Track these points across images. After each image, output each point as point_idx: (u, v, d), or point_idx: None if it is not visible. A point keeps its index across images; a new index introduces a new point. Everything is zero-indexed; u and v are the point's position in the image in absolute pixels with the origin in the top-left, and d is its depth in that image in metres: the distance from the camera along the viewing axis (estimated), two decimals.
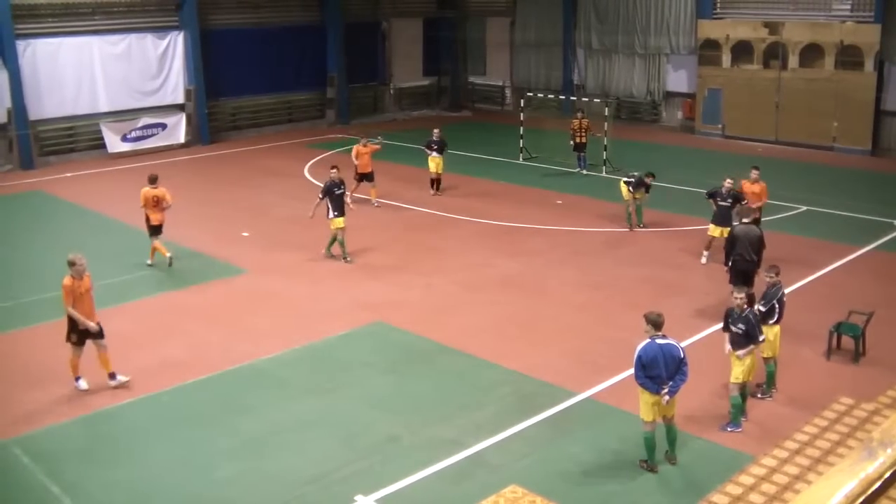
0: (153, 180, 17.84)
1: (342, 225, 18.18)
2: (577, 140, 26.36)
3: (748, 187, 17.88)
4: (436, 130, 24.54)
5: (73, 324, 12.39)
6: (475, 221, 21.59)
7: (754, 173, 18.15)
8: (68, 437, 11.35)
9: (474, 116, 39.63)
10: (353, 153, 22.92)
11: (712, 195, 17.62)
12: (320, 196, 18.25)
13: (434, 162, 24.03)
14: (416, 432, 11.34)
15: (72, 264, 12.40)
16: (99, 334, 12.54)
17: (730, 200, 17.27)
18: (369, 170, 22.77)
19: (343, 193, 18.33)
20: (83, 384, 12.62)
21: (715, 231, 17.51)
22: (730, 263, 14.79)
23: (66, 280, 12.35)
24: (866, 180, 26.24)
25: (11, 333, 14.91)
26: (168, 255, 17.78)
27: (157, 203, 17.69)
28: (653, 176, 20.20)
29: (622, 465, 10.48)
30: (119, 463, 10.70)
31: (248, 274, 17.89)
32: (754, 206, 17.09)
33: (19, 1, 27.84)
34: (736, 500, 9.57)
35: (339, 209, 18.12)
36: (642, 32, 35.51)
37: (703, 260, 17.97)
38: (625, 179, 20.40)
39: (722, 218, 17.30)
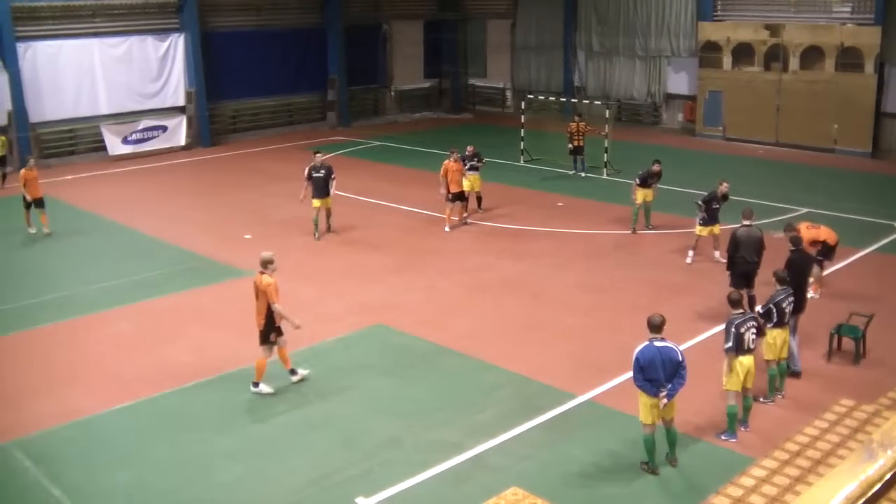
0: (25, 162, 21.51)
1: (317, 205, 20.02)
2: (576, 143, 26.30)
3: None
4: (469, 147, 22.05)
5: (272, 323, 12.17)
6: (476, 223, 21.58)
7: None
8: (70, 440, 11.34)
9: (475, 119, 39.64)
10: (442, 170, 20.77)
11: (708, 201, 17.72)
12: (305, 178, 20.22)
13: (468, 180, 21.35)
14: (417, 434, 11.33)
15: (271, 262, 12.27)
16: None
17: (722, 202, 17.80)
18: (461, 188, 20.83)
19: (321, 177, 19.88)
20: (268, 388, 12.48)
21: (703, 231, 17.85)
22: (731, 266, 14.80)
23: (272, 277, 12.16)
24: (867, 182, 26.24)
25: (11, 336, 14.92)
26: (45, 229, 20.91)
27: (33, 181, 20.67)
28: (658, 161, 20.26)
29: (623, 468, 10.47)
30: (120, 466, 10.69)
31: (250, 276, 17.82)
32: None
33: (20, 3, 27.88)
34: (736, 501, 9.56)
35: (317, 192, 19.94)
36: (643, 34, 35.54)
37: (689, 259, 18.20)
38: (637, 182, 20.31)
39: (712, 219, 17.78)
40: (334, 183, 20.27)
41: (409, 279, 17.55)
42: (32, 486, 10.27)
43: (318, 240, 20.15)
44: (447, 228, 20.98)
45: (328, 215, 20.51)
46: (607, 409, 11.94)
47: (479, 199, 22.33)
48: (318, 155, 20.56)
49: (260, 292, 12.20)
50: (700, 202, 17.95)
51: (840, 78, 29.57)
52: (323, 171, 19.99)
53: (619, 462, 10.60)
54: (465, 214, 21.60)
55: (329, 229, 20.66)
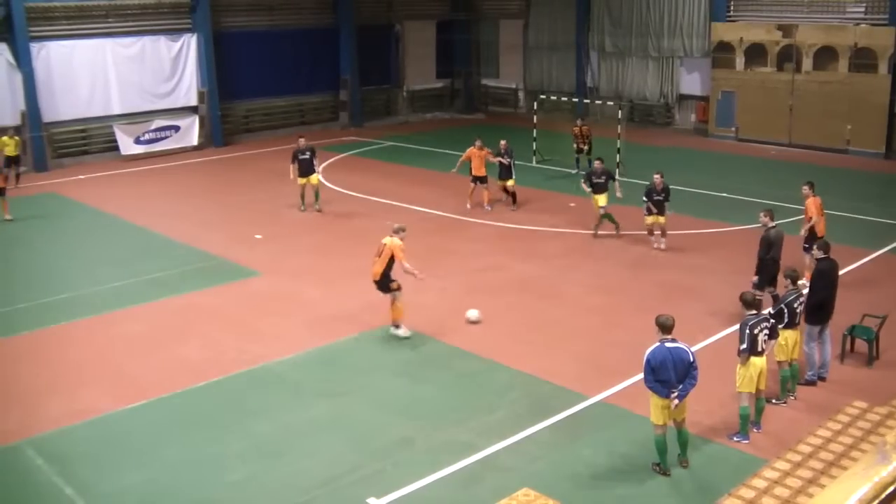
0: None
1: (303, 182, 22.32)
2: (580, 146, 26.51)
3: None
4: (502, 142, 22.83)
5: (388, 277, 14.16)
6: (488, 224, 21.58)
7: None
8: (82, 439, 11.39)
9: (487, 119, 39.62)
10: (465, 155, 22.75)
11: (648, 193, 18.66)
12: (291, 161, 22.35)
13: (507, 182, 22.90)
14: (429, 435, 11.34)
15: (403, 230, 14.39)
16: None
17: (663, 195, 18.56)
18: (483, 173, 22.52)
19: (306, 159, 22.15)
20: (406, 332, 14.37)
21: (649, 219, 18.89)
22: (763, 268, 14.75)
23: (401, 242, 14.12)
24: (880, 183, 26.11)
25: (24, 336, 14.98)
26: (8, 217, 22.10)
27: None
28: (601, 160, 20.97)
29: (634, 469, 10.45)
30: (131, 465, 10.74)
31: (261, 276, 17.93)
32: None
33: (33, 3, 28.02)
34: (748, 503, 9.53)
35: (302, 171, 22.23)
36: (656, 35, 35.46)
37: (655, 245, 19.07)
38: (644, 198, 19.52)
39: (657, 209, 18.68)
40: (318, 163, 22.90)
41: (420, 279, 17.51)
42: (45, 485, 10.32)
43: (304, 211, 22.62)
44: (468, 206, 22.74)
45: (315, 192, 22.61)
46: (619, 410, 11.91)
47: (513, 195, 22.97)
48: (301, 139, 22.65)
49: (385, 251, 14.02)
50: (644, 197, 18.79)
51: (853, 78, 29.42)
52: (308, 154, 22.24)
53: (630, 463, 10.58)
54: (488, 202, 22.80)
55: (317, 204, 22.64)
